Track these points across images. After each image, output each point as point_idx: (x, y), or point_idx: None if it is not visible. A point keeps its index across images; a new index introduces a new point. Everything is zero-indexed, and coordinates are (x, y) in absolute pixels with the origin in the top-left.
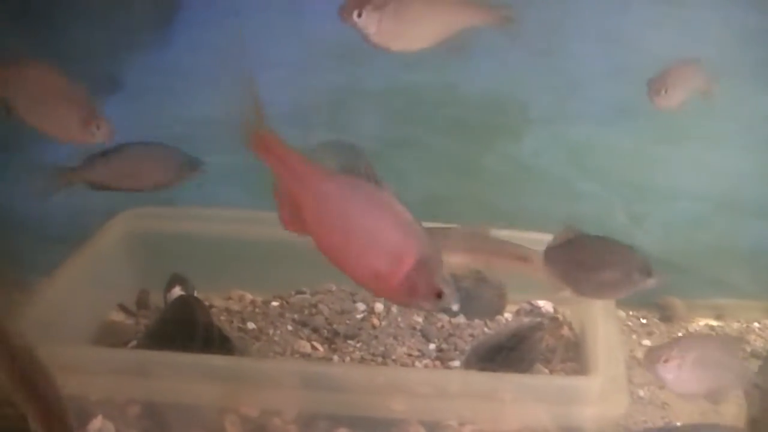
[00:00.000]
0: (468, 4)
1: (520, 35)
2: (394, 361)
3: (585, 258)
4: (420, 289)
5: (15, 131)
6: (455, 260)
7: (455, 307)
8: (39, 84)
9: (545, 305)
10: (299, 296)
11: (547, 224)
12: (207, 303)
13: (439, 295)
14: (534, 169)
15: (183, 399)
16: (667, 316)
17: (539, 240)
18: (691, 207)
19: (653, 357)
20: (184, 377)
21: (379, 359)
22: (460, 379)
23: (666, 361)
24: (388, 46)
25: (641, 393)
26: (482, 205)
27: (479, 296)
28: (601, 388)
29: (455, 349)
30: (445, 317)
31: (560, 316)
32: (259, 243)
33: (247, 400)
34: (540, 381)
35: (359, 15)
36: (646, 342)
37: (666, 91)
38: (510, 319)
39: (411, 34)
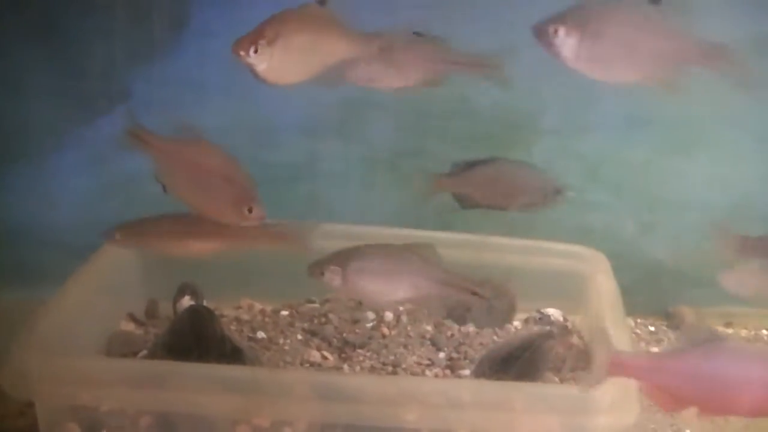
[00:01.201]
0: (346, 36)
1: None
2: (404, 370)
3: None
4: None
5: (24, 143)
6: (209, 246)
7: None
8: (194, 161)
9: (554, 314)
10: (309, 305)
11: (559, 234)
12: (216, 312)
13: None
14: None
15: (194, 409)
16: (675, 324)
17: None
18: (702, 217)
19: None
20: (195, 387)
21: (389, 368)
22: (471, 388)
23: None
24: (275, 81)
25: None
26: (494, 215)
27: (489, 305)
28: (611, 398)
29: (465, 358)
30: (455, 326)
31: (570, 325)
32: (268, 252)
33: (258, 411)
34: (551, 390)
35: (255, 51)
36: (655, 350)
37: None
38: (519, 328)
39: (296, 68)
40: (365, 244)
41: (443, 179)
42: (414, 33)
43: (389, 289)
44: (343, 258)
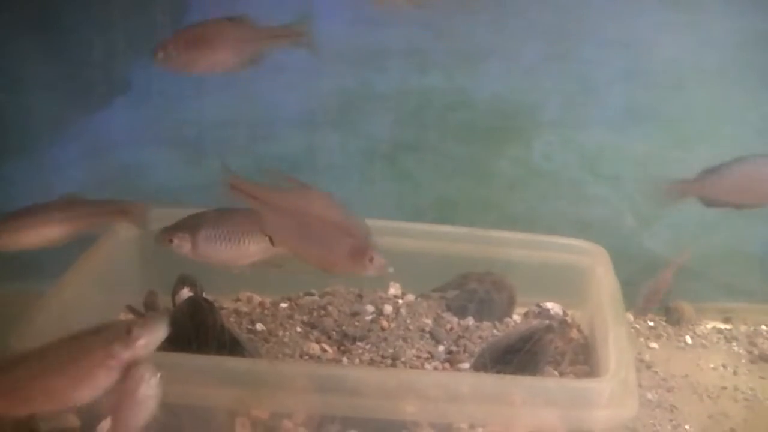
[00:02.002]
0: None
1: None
2: (403, 363)
3: None
4: None
5: (23, 135)
6: (54, 232)
7: None
8: (304, 213)
9: (554, 308)
10: (308, 298)
11: (559, 228)
12: (216, 305)
13: None
14: (545, 173)
15: (193, 401)
16: (675, 319)
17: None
18: (701, 211)
19: None
20: (194, 379)
21: (389, 361)
22: (471, 381)
23: None
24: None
25: (649, 396)
26: (493, 208)
27: (489, 299)
28: (611, 391)
29: (464, 351)
30: (454, 319)
31: (569, 319)
32: None
33: (257, 403)
34: (551, 384)
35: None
36: (654, 345)
37: None
38: (519, 322)
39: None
40: (213, 210)
41: (690, 185)
42: (228, 18)
43: (239, 254)
44: (191, 225)
